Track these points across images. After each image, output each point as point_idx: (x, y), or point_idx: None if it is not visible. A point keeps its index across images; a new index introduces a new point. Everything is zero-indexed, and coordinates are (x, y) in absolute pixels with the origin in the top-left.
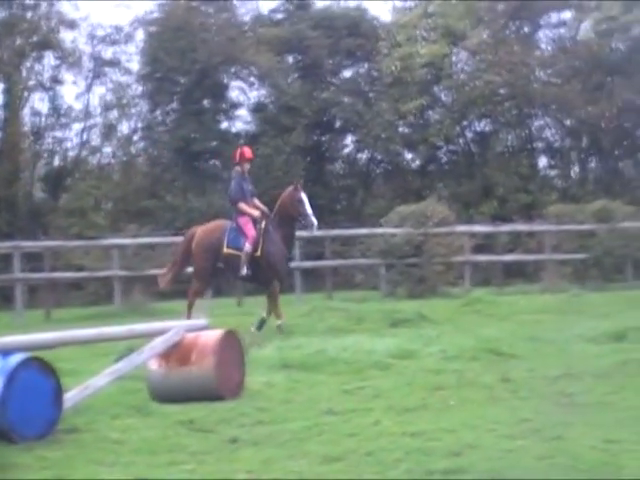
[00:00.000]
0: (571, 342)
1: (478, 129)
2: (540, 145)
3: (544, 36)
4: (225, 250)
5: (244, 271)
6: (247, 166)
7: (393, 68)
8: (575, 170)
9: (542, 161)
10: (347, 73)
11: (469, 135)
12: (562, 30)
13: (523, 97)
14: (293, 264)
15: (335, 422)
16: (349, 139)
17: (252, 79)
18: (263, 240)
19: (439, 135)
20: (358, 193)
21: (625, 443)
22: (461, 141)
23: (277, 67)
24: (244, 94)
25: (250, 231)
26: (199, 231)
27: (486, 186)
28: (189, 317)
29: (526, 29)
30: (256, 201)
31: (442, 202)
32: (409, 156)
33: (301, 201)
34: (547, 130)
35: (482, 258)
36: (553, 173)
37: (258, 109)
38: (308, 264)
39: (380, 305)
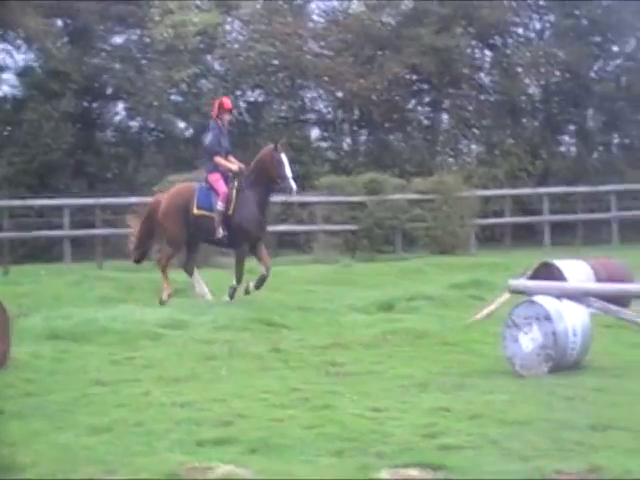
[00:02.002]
0: (341, 312)
1: (251, 99)
2: (312, 117)
3: (316, 8)
4: (195, 211)
5: (220, 233)
6: (227, 117)
7: (165, 35)
8: (346, 142)
9: (314, 132)
10: (118, 39)
11: (242, 105)
12: (334, 3)
13: (296, 68)
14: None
15: (104, 393)
16: (120, 106)
17: (19, 42)
18: (236, 199)
19: (212, 104)
20: (130, 161)
21: (392, 411)
22: (234, 111)
23: (45, 30)
24: (10, 57)
25: (221, 188)
26: (165, 198)
27: None
28: (166, 283)
29: (299, 0)
30: (231, 158)
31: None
32: (181, 125)
33: (281, 162)
34: (319, 102)
35: None
36: (325, 145)
37: (25, 73)
38: (78, 232)
39: (151, 275)
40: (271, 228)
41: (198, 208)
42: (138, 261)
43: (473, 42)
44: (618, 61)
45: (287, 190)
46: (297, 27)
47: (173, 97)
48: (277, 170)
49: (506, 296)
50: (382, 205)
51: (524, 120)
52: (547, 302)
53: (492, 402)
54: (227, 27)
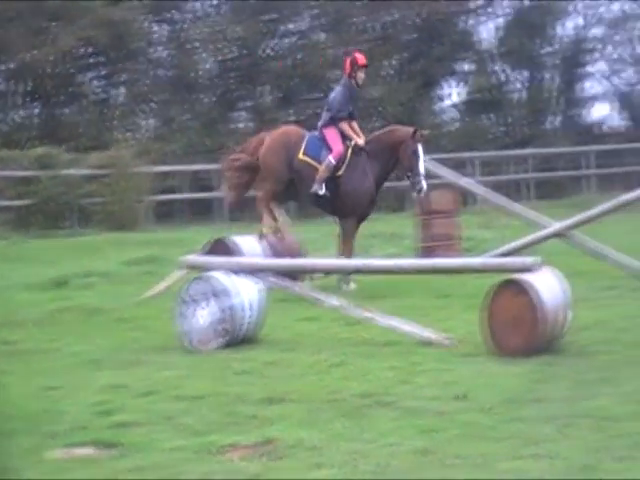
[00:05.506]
0: (12, 290)
1: None
2: None
3: None
4: (300, 157)
5: (320, 189)
6: (362, 75)
7: None
8: (18, 115)
9: None
10: None
11: None
12: None
13: None
14: None
15: None
16: None
17: None
18: (349, 162)
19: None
20: None
21: (65, 389)
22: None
23: None
24: None
25: (337, 145)
26: (271, 135)
27: None
28: (272, 217)
29: None
30: (355, 125)
31: None
32: None
33: (416, 154)
34: None
35: None
36: None
37: None
38: None
39: None
40: None
41: (304, 154)
42: (237, 205)
43: (149, 15)
44: (293, 39)
45: (415, 188)
46: None
47: None
48: (410, 161)
49: (181, 272)
50: (55, 180)
51: (201, 95)
52: (223, 277)
53: (168, 378)
54: None
